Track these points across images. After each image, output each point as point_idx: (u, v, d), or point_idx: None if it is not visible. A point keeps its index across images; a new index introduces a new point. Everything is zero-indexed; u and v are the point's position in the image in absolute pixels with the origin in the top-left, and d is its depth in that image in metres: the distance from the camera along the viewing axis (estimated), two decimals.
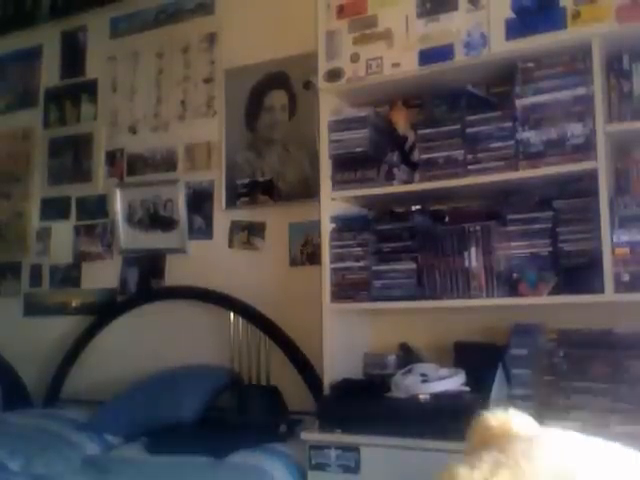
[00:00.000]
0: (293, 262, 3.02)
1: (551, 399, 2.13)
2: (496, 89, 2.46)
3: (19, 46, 3.98)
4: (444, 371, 2.26)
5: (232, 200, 3.21)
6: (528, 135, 2.19)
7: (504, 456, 0.81)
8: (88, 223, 3.66)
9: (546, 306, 2.21)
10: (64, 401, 3.47)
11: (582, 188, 2.15)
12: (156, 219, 3.42)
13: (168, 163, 3.43)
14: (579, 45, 2.12)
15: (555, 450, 0.82)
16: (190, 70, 3.42)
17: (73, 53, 3.82)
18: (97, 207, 3.63)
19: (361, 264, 2.46)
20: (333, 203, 2.53)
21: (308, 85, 2.99)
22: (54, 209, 3.78)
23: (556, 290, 2.14)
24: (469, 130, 2.30)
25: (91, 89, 3.73)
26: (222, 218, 3.24)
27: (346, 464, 2.21)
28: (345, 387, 2.35)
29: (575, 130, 2.12)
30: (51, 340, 3.63)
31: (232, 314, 3.10)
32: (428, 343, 2.54)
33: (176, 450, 2.54)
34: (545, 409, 2.08)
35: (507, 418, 0.95)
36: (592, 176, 2.07)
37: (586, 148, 2.10)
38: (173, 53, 3.47)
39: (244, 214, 3.18)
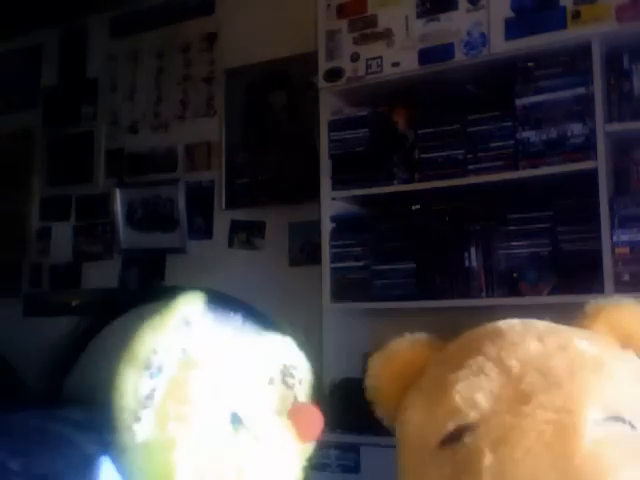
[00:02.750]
0: (293, 262, 3.02)
1: None
2: (496, 89, 2.46)
3: (19, 46, 3.98)
4: None
5: (232, 200, 3.21)
6: (528, 135, 2.19)
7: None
8: (88, 223, 3.66)
9: (546, 306, 2.21)
10: (64, 401, 3.47)
11: (582, 188, 2.16)
12: (156, 219, 3.42)
13: (168, 163, 3.43)
14: (579, 45, 2.12)
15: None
16: (190, 70, 3.41)
17: (73, 53, 3.82)
18: (97, 207, 3.63)
19: (361, 264, 2.46)
20: (333, 203, 2.53)
21: (309, 85, 2.99)
22: (54, 209, 3.77)
23: (556, 290, 2.14)
24: (469, 130, 2.30)
25: (91, 89, 3.72)
26: (222, 218, 3.24)
27: (346, 464, 2.21)
28: (345, 387, 2.35)
29: (575, 130, 2.12)
30: (51, 340, 3.63)
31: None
32: None
33: None
34: None
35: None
36: (592, 176, 2.07)
37: (586, 148, 2.10)
38: (173, 53, 3.46)
39: (244, 214, 3.18)
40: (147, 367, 0.73)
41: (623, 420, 0.63)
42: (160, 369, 0.73)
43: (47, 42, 3.91)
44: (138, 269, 3.47)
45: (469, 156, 2.29)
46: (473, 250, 2.28)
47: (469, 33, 2.28)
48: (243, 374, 0.80)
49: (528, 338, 0.70)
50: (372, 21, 2.45)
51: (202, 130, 3.34)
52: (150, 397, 0.73)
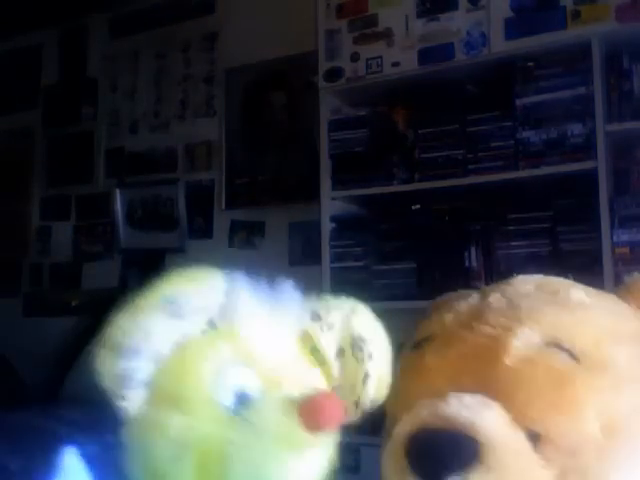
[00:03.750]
0: (293, 262, 3.02)
1: None
2: (496, 89, 2.46)
3: (19, 46, 3.98)
4: None
5: (232, 200, 3.21)
6: (528, 134, 2.19)
7: None
8: (88, 223, 3.66)
9: None
10: (64, 400, 3.47)
11: (582, 188, 2.16)
12: (156, 219, 3.42)
13: (168, 163, 3.43)
14: (579, 45, 2.12)
15: None
16: (190, 69, 3.42)
17: (73, 53, 3.82)
18: (97, 207, 3.63)
19: (361, 264, 2.46)
20: (333, 203, 2.53)
21: (309, 85, 2.99)
22: (54, 209, 3.78)
23: None
24: (469, 130, 2.30)
25: (91, 89, 3.73)
26: (222, 218, 3.24)
27: (346, 464, 2.21)
28: None
29: (575, 130, 2.12)
30: (51, 340, 3.63)
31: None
32: None
33: None
34: None
35: None
36: (592, 176, 2.07)
37: (586, 148, 2.10)
38: (173, 53, 3.46)
39: (244, 214, 3.18)
40: (118, 349, 0.71)
41: (563, 349, 0.65)
42: (137, 351, 0.71)
43: (47, 42, 3.91)
44: (138, 269, 3.47)
45: (469, 156, 2.29)
46: (473, 250, 2.28)
47: (469, 33, 2.28)
48: (277, 345, 0.72)
49: (528, 283, 0.75)
50: (372, 21, 2.45)
51: (202, 130, 3.34)
52: (129, 378, 0.71)
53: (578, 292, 0.73)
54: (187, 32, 3.43)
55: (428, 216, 2.51)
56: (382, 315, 0.84)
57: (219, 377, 0.67)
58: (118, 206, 3.51)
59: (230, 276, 0.76)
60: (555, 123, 2.15)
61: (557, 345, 0.65)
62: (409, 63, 2.38)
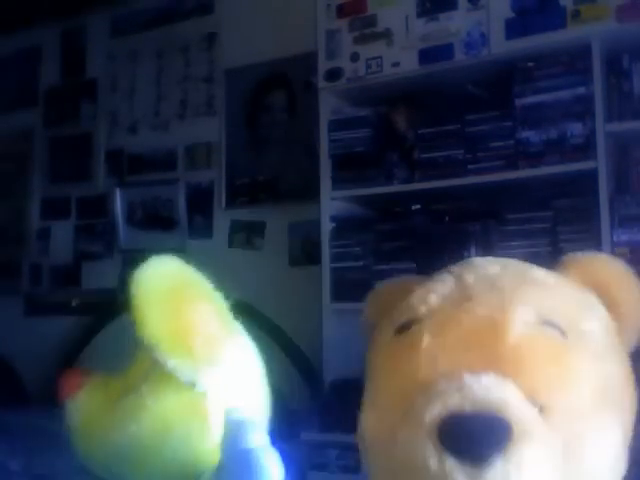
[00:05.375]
0: (293, 262, 3.02)
1: None
2: (496, 89, 2.46)
3: (19, 46, 3.98)
4: None
5: (232, 200, 3.21)
6: (528, 135, 2.19)
7: None
8: (88, 223, 3.66)
9: None
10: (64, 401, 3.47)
11: (582, 188, 2.16)
12: (156, 219, 3.42)
13: (168, 163, 3.43)
14: (579, 45, 2.12)
15: None
16: (190, 70, 3.42)
17: (73, 53, 3.82)
18: (97, 207, 3.63)
19: (361, 264, 2.46)
20: (333, 203, 2.53)
21: (309, 85, 2.99)
22: (54, 209, 3.78)
23: None
24: (469, 130, 2.30)
25: (91, 89, 3.73)
26: (222, 218, 3.24)
27: (346, 464, 2.21)
28: (345, 387, 2.35)
29: (575, 130, 2.12)
30: (51, 340, 3.63)
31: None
32: None
33: None
34: None
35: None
36: (592, 176, 2.07)
37: (586, 148, 2.10)
38: (173, 53, 3.46)
39: (244, 214, 3.18)
40: None
41: (554, 325, 0.70)
42: None
43: (47, 42, 3.91)
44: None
45: (469, 156, 2.29)
46: (473, 250, 2.28)
47: (469, 33, 2.28)
48: None
49: (492, 265, 0.78)
50: (372, 21, 2.45)
51: (202, 130, 3.34)
52: None
53: (539, 272, 0.78)
54: (187, 32, 3.43)
55: (428, 216, 2.52)
56: None
57: None
58: (118, 206, 3.51)
59: None
60: (555, 123, 2.15)
61: (548, 322, 0.70)
62: (409, 63, 2.38)
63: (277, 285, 3.02)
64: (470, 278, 0.75)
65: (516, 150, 2.20)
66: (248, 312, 3.06)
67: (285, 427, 2.78)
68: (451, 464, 0.60)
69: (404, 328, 0.74)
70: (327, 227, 2.51)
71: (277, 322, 2.99)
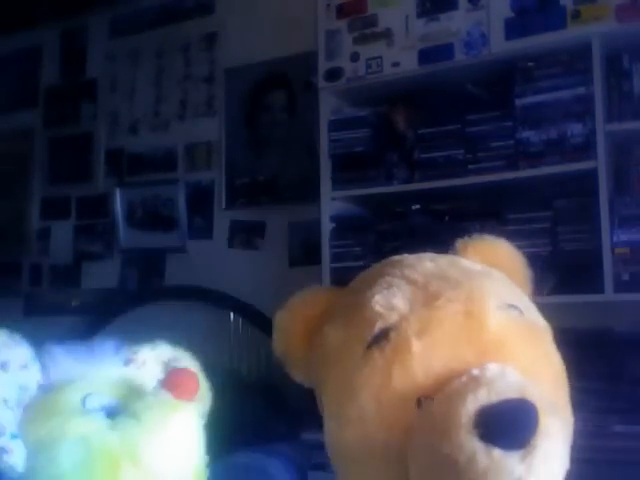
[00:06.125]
0: (293, 262, 3.02)
1: None
2: (496, 89, 2.46)
3: (19, 46, 3.98)
4: None
5: (232, 200, 3.21)
6: (528, 135, 2.19)
7: None
8: (88, 223, 3.66)
9: (546, 306, 2.21)
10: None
11: (582, 188, 2.16)
12: (156, 219, 3.42)
13: (168, 163, 3.43)
14: (579, 45, 2.12)
15: None
16: (190, 69, 3.42)
17: (73, 53, 3.82)
18: (97, 207, 3.63)
19: (361, 264, 2.46)
20: (333, 203, 2.53)
21: (309, 85, 2.99)
22: (54, 209, 3.78)
23: (556, 290, 2.14)
24: (469, 130, 2.30)
25: (91, 89, 3.73)
26: (222, 218, 3.24)
27: None
28: None
29: (575, 130, 2.12)
30: (51, 340, 3.62)
31: (232, 314, 3.10)
32: None
33: None
34: None
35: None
36: (592, 176, 2.07)
37: (586, 148, 2.10)
38: (173, 53, 3.46)
39: (244, 214, 3.18)
40: None
41: (515, 307, 0.73)
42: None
43: (47, 42, 3.91)
44: (138, 269, 3.47)
45: (469, 156, 2.29)
46: None
47: (469, 33, 2.28)
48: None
49: (422, 260, 0.78)
50: (372, 21, 2.45)
51: (202, 130, 3.34)
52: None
53: (466, 262, 0.80)
54: (187, 32, 3.43)
55: (428, 216, 2.52)
56: None
57: (84, 402, 0.85)
58: (118, 206, 3.51)
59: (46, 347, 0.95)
60: (555, 123, 2.15)
61: (510, 305, 0.73)
62: (409, 63, 2.38)
63: (277, 285, 3.02)
64: (419, 278, 0.74)
65: (516, 150, 2.21)
66: (248, 312, 3.07)
67: (285, 427, 2.78)
68: (499, 454, 0.60)
69: (379, 339, 0.71)
70: (327, 227, 2.51)
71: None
